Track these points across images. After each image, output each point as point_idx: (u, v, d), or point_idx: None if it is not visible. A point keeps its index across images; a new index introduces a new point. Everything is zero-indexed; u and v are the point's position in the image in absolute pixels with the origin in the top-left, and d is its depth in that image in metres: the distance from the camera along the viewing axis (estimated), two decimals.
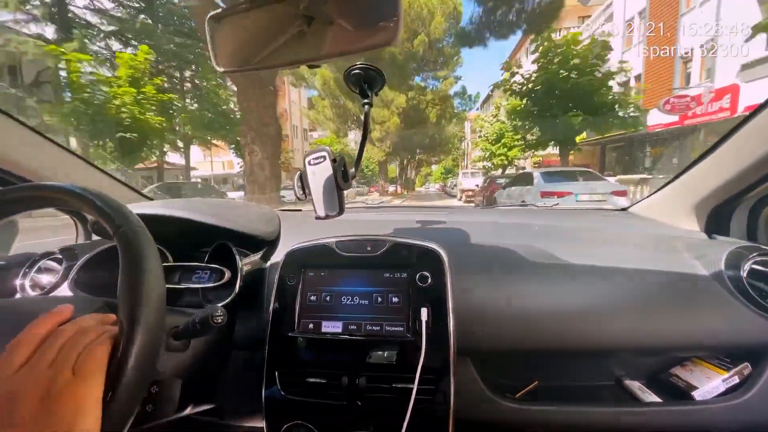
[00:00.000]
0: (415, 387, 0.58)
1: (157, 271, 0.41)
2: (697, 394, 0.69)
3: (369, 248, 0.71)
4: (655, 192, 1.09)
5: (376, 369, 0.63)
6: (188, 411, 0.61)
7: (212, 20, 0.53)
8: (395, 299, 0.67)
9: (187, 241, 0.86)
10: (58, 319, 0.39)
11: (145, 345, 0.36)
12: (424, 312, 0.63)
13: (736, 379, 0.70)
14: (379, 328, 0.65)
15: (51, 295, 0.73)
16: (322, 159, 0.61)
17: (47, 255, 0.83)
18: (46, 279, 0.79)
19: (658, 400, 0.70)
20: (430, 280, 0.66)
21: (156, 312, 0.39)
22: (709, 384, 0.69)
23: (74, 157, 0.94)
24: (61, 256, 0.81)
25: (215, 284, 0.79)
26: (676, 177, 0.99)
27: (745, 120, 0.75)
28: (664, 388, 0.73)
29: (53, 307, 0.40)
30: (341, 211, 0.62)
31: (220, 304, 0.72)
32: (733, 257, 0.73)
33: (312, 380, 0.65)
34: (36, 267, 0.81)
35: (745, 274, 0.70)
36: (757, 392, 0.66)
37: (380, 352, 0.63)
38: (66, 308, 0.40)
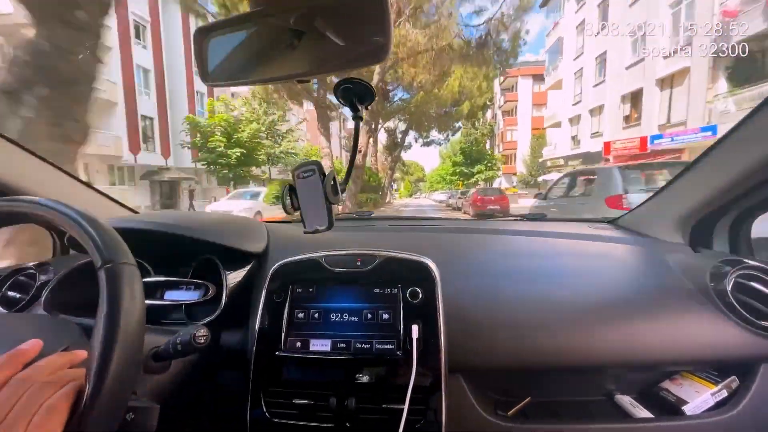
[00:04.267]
0: (405, 408, 0.56)
1: (137, 316, 0.38)
2: (687, 409, 0.69)
3: (359, 263, 0.70)
4: (641, 204, 1.11)
5: (366, 389, 0.61)
6: None
7: (200, 33, 0.52)
8: (385, 316, 0.65)
9: (172, 255, 0.83)
10: (21, 361, 0.35)
11: (112, 397, 0.34)
12: (415, 329, 0.61)
13: (724, 393, 0.70)
14: (369, 346, 0.63)
15: (23, 313, 0.69)
16: (312, 172, 0.60)
17: (20, 270, 0.79)
18: (17, 296, 0.75)
19: (649, 415, 0.70)
20: (421, 296, 0.65)
21: (131, 359, 0.36)
22: (699, 398, 0.69)
23: (56, 169, 0.91)
24: (35, 272, 0.77)
25: (200, 300, 0.76)
26: (662, 189, 1.01)
27: (727, 134, 0.77)
28: (654, 403, 0.73)
29: (21, 326, 0.37)
30: (330, 225, 0.61)
31: (203, 322, 0.69)
32: (718, 270, 0.74)
33: (299, 401, 0.62)
34: (8, 283, 0.77)
35: (729, 288, 0.71)
36: (746, 407, 0.66)
37: (370, 372, 0.62)
38: (32, 346, 0.37)
